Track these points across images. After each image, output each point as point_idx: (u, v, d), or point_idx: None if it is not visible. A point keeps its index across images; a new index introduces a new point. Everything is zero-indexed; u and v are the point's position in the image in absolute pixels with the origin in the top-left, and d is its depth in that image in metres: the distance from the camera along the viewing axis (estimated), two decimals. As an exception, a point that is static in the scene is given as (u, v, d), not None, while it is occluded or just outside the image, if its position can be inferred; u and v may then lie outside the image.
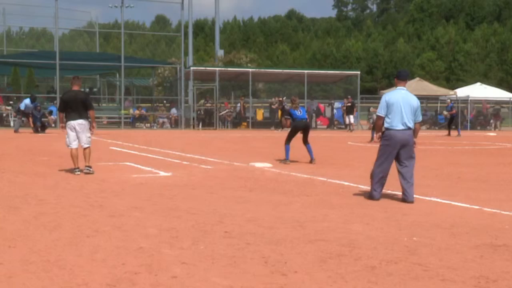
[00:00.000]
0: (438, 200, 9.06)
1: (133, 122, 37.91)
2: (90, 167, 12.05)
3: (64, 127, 12.42)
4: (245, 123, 37.02)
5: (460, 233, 6.62)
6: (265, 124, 37.45)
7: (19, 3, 58.95)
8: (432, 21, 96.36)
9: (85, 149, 12.12)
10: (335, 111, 40.35)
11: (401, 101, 8.89)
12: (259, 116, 38.91)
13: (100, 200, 8.62)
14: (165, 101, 42.07)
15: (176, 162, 14.82)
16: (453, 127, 31.64)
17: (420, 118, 9.13)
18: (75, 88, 12.38)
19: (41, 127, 28.24)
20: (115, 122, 37.40)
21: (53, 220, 7.13)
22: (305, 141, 15.17)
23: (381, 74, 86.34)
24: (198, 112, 37.18)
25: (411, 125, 8.93)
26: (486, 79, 64.86)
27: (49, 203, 8.35)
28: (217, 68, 39.01)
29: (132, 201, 8.58)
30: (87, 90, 45.07)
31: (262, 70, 45.51)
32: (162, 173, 12.27)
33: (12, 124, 32.23)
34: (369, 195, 9.08)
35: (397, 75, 9.35)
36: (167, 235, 6.35)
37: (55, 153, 17.13)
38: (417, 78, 54.70)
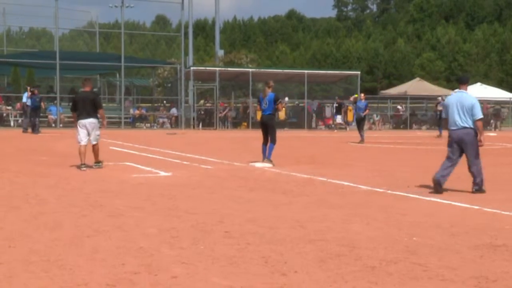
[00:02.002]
0: (438, 200, 9.06)
1: (133, 122, 37.92)
2: (98, 162, 12.98)
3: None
4: (245, 123, 37.00)
5: (459, 233, 6.63)
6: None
7: (19, 3, 58.90)
8: (432, 21, 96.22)
9: (93, 145, 12.94)
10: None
11: (454, 103, 9.72)
12: (260, 116, 38.87)
13: (100, 200, 8.63)
14: (165, 101, 42.05)
15: (176, 162, 14.82)
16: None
17: (478, 116, 9.67)
18: (86, 89, 13.30)
19: (33, 127, 26.93)
20: (115, 122, 37.39)
21: (53, 220, 7.13)
22: (266, 140, 14.14)
23: (381, 74, 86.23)
24: (199, 112, 37.19)
25: (466, 124, 9.58)
26: (486, 79, 64.74)
27: (49, 203, 8.35)
28: (217, 68, 39.01)
29: (132, 201, 8.59)
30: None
31: (262, 70, 45.48)
32: (162, 173, 12.28)
33: (12, 123, 32.19)
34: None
35: (458, 80, 10.75)
36: (167, 235, 6.35)
37: (55, 153, 17.16)
38: (417, 78, 54.77)
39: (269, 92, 14.27)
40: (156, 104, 42.72)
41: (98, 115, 13.11)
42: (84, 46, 63.20)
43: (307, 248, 5.86)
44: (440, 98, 31.94)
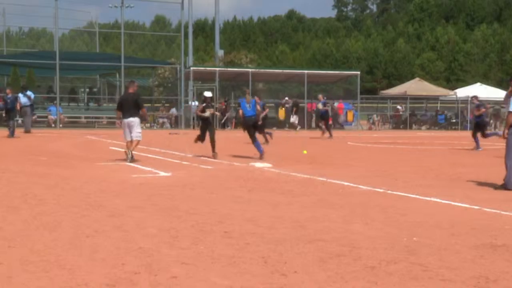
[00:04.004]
0: (438, 200, 9.06)
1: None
2: (132, 156, 14.30)
3: (120, 124, 15.17)
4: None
5: (460, 233, 6.62)
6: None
7: (19, 3, 58.93)
8: (432, 21, 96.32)
9: (134, 140, 14.53)
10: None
11: None
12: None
13: (100, 200, 8.62)
14: (163, 101, 42.01)
15: (176, 162, 14.83)
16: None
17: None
18: (130, 91, 14.88)
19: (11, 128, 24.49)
20: (115, 122, 37.36)
21: (52, 220, 7.13)
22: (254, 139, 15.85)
23: (381, 74, 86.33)
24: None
25: None
26: (486, 80, 64.87)
27: (49, 203, 8.35)
28: (217, 68, 39.03)
29: (132, 201, 8.58)
30: (87, 90, 45.21)
31: (262, 70, 45.51)
32: (162, 173, 12.28)
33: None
34: (504, 185, 10.09)
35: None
36: (167, 235, 6.34)
37: (54, 153, 17.15)
38: (417, 78, 54.74)
39: (250, 98, 16.55)
40: (156, 104, 42.70)
41: (140, 113, 14.76)
42: (84, 46, 63.28)
43: (307, 248, 5.85)
44: (474, 99, 23.39)
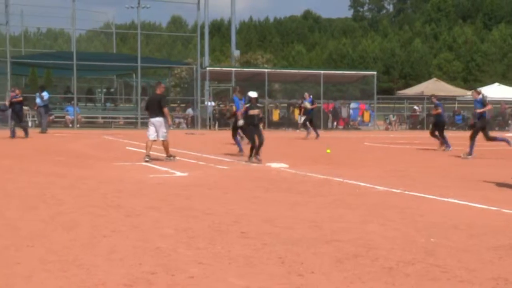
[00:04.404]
0: (456, 201, 9.00)
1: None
2: (170, 156, 14.84)
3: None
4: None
5: (478, 234, 6.57)
6: (282, 124, 37.41)
7: (37, 4, 59.33)
8: (449, 21, 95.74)
9: (162, 142, 14.75)
10: (351, 111, 40.24)
11: None
12: (275, 117, 38.88)
13: (117, 200, 8.66)
14: (178, 101, 42.10)
15: (192, 162, 14.86)
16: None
17: None
18: (157, 92, 15.26)
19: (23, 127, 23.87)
20: (131, 122, 37.56)
21: (70, 220, 7.17)
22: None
23: (397, 74, 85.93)
24: (214, 112, 37.24)
25: None
26: (504, 80, 64.26)
27: (67, 203, 8.40)
28: (233, 69, 39.08)
29: (148, 201, 8.61)
30: (104, 90, 45.43)
31: (278, 70, 45.47)
32: (179, 173, 12.31)
33: (30, 124, 32.31)
34: None
35: None
36: (184, 235, 6.36)
37: (71, 153, 17.25)
38: (434, 79, 54.46)
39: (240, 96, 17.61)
40: (172, 105, 42.79)
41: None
42: (100, 47, 63.55)
43: (324, 248, 5.84)
44: (433, 98, 22.20)
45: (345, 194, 9.70)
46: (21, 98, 24.13)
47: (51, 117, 32.23)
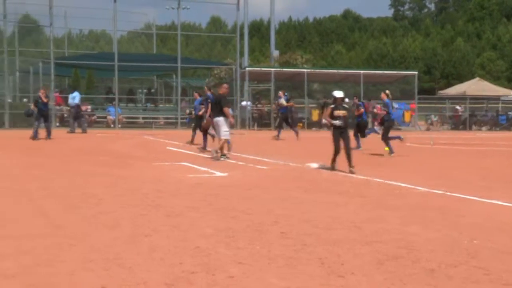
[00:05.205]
0: (499, 202, 8.83)
1: (189, 122, 38.22)
2: (223, 155, 15.29)
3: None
4: (301, 124, 36.83)
5: (522, 237, 6.45)
6: (321, 124, 37.22)
7: (80, 6, 60.18)
8: (493, 20, 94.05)
9: (219, 140, 15.44)
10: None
11: None
12: (315, 117, 38.74)
13: (157, 200, 8.73)
14: None
15: (231, 162, 14.89)
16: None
17: None
18: (220, 92, 15.98)
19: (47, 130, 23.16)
20: (171, 122, 37.85)
21: (111, 219, 7.26)
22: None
23: (439, 74, 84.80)
24: (254, 112, 37.31)
25: None
26: (549, 78, 62.97)
27: (108, 202, 8.50)
28: (272, 69, 39.07)
29: (188, 201, 8.66)
30: (145, 90, 45.90)
31: (318, 70, 45.31)
32: (218, 174, 12.35)
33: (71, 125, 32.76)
34: None
35: None
36: (223, 235, 6.38)
37: (112, 153, 17.46)
38: (477, 78, 53.60)
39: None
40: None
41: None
42: (141, 48, 64.24)
43: (364, 249, 5.80)
44: (355, 98, 22.55)
45: (385, 194, 9.61)
46: (46, 99, 23.76)
47: (87, 118, 32.50)
